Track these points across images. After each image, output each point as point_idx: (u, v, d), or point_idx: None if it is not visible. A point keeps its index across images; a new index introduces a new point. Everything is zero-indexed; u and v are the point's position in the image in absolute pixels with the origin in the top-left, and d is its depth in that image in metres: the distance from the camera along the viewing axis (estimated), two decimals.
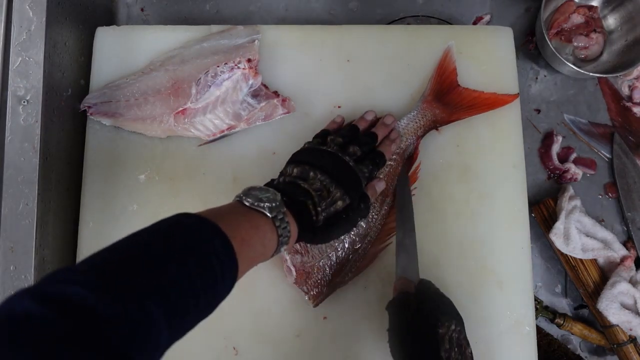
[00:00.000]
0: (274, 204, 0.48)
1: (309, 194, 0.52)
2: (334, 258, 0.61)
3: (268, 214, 0.47)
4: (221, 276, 0.41)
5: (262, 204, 0.47)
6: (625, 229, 0.77)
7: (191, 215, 0.43)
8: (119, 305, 0.32)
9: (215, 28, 0.70)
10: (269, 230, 0.47)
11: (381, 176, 0.62)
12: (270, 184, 0.55)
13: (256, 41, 0.68)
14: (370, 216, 0.62)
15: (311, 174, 0.54)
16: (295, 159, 0.58)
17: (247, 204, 0.47)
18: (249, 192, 0.49)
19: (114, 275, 0.34)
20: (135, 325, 0.33)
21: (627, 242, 0.75)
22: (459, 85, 0.67)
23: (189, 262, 0.38)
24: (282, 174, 0.58)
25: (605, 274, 0.73)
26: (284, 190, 0.52)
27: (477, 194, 0.65)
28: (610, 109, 0.80)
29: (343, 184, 0.54)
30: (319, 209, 0.52)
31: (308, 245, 0.61)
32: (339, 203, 0.53)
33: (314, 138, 0.62)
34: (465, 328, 0.59)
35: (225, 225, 0.43)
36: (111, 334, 0.31)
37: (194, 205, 0.66)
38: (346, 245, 0.61)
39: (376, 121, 0.65)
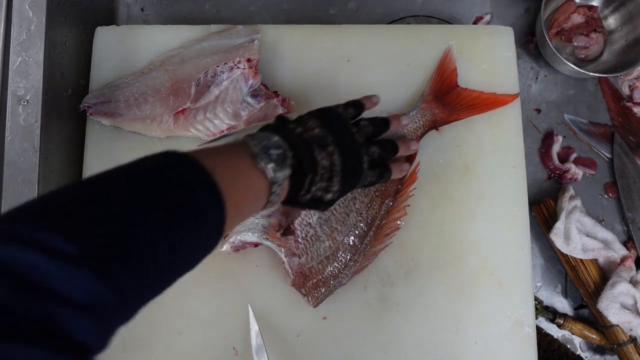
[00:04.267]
0: (279, 170, 0.44)
1: (314, 170, 0.47)
2: (332, 259, 0.61)
3: (269, 178, 0.43)
4: (206, 240, 0.38)
5: (267, 165, 0.43)
6: (626, 229, 0.77)
7: (187, 162, 0.39)
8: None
9: (215, 28, 0.70)
10: (262, 193, 0.44)
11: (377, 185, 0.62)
12: (285, 130, 0.49)
13: (256, 41, 0.68)
14: (370, 217, 0.62)
15: (330, 149, 0.48)
16: (324, 119, 0.51)
17: (252, 155, 0.43)
18: (261, 140, 0.45)
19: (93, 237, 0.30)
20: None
21: (627, 242, 0.75)
22: (458, 85, 0.67)
23: (173, 221, 0.35)
24: (302, 121, 0.51)
25: (606, 274, 0.73)
26: (297, 147, 0.46)
27: (477, 194, 0.65)
28: (610, 108, 0.80)
29: (345, 183, 0.50)
30: (313, 188, 0.48)
31: (306, 246, 0.61)
32: (329, 195, 0.50)
33: (347, 104, 0.56)
34: (465, 328, 0.60)
35: (222, 182, 0.38)
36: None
37: None
38: (345, 247, 0.61)
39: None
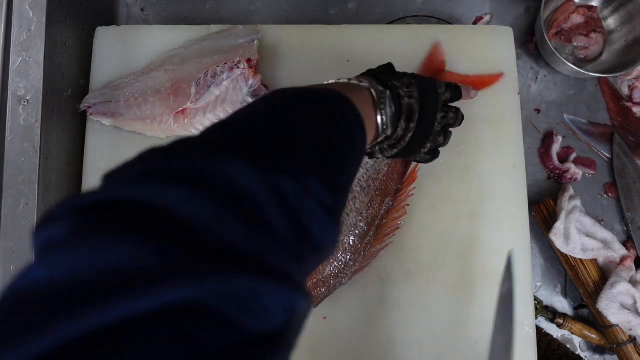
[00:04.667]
0: (386, 126, 0.49)
1: (411, 111, 0.50)
2: (332, 259, 0.61)
3: (380, 123, 0.48)
4: (360, 150, 0.42)
5: (383, 118, 0.48)
6: (625, 229, 0.77)
7: (347, 101, 0.43)
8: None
9: (215, 28, 0.70)
10: (372, 139, 0.48)
11: (380, 175, 0.62)
12: (392, 84, 0.51)
13: (256, 41, 0.68)
14: (370, 217, 0.62)
15: (411, 125, 0.51)
16: (423, 93, 0.52)
17: (376, 106, 0.48)
18: (381, 94, 0.48)
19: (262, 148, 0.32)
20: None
21: (627, 242, 0.75)
22: (445, 70, 0.67)
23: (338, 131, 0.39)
24: (405, 83, 0.52)
25: (605, 274, 0.73)
26: (396, 106, 0.50)
27: (477, 194, 0.65)
28: (610, 109, 0.80)
29: (412, 145, 0.52)
30: (377, 147, 0.52)
31: None
32: (393, 151, 0.52)
33: (447, 89, 0.55)
34: (466, 328, 0.59)
35: (356, 104, 0.43)
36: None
37: None
38: (345, 247, 0.61)
39: None
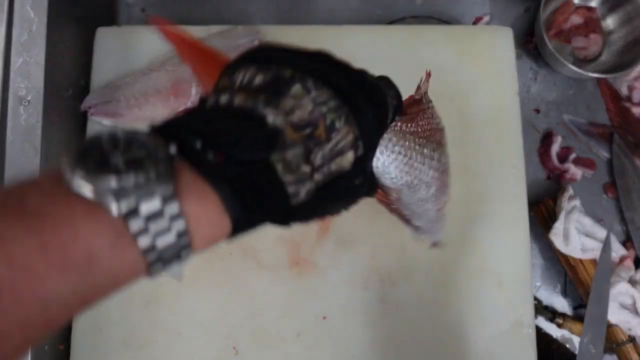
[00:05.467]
0: (139, 177, 0.21)
1: (277, 140, 0.25)
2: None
3: (112, 209, 0.21)
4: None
5: (103, 181, 0.20)
6: (625, 229, 0.77)
7: None
8: None
9: (215, 28, 0.70)
10: (111, 247, 0.21)
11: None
12: (189, 117, 0.26)
13: (256, 41, 0.68)
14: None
15: (295, 87, 0.27)
16: (261, 55, 0.30)
17: (71, 180, 0.21)
18: (92, 148, 0.21)
19: None
20: None
21: (627, 242, 0.75)
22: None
23: None
24: (224, 87, 0.28)
25: None
26: (210, 128, 0.24)
27: (477, 194, 0.66)
28: (609, 109, 0.81)
29: (363, 116, 0.28)
30: (307, 169, 0.26)
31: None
32: (349, 155, 0.28)
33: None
34: (465, 328, 0.60)
35: None
36: None
37: None
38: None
39: None
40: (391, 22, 0.82)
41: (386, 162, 0.37)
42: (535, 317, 0.70)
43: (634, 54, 0.75)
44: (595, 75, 0.75)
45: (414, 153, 0.41)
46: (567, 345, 0.75)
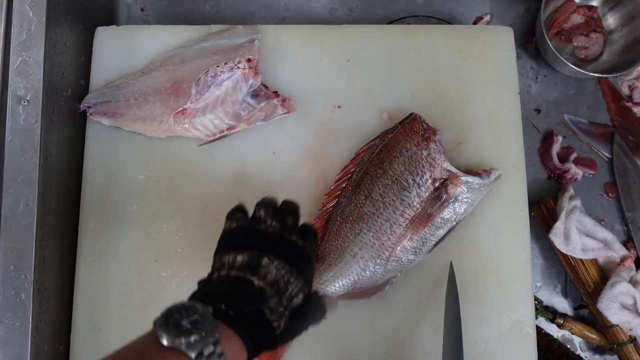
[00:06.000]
0: (200, 335, 0.36)
1: (263, 295, 0.42)
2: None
3: (190, 354, 0.36)
4: None
5: (183, 340, 0.36)
6: (625, 229, 0.77)
7: None
8: None
9: (215, 28, 0.70)
10: None
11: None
12: (205, 287, 0.44)
13: (256, 41, 0.68)
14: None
15: (264, 260, 0.44)
16: (235, 243, 0.47)
17: (164, 342, 0.36)
18: (169, 317, 0.37)
19: None
20: None
21: (627, 242, 0.75)
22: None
23: None
24: (220, 265, 0.46)
25: (605, 274, 0.73)
26: (226, 295, 0.41)
27: None
28: (610, 109, 0.80)
29: (303, 271, 0.46)
30: (281, 309, 0.43)
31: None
32: (300, 296, 0.45)
33: (231, 213, 0.50)
34: (466, 328, 0.59)
35: None
36: None
37: (194, 205, 0.66)
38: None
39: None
40: (391, 22, 0.82)
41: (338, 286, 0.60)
42: (536, 318, 0.69)
43: (635, 54, 0.75)
44: (596, 74, 0.75)
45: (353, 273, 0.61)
46: (568, 346, 0.75)
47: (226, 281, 0.44)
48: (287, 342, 0.46)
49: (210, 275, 0.46)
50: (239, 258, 0.45)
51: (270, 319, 0.42)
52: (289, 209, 0.50)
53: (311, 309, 0.47)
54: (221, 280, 0.44)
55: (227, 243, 0.47)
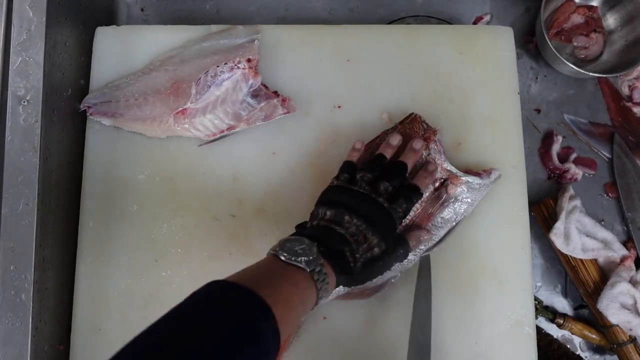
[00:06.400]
0: (310, 257, 0.47)
1: (346, 241, 0.52)
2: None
3: (306, 269, 0.46)
4: (266, 354, 0.40)
5: (298, 259, 0.47)
6: (626, 229, 0.77)
7: (229, 286, 0.42)
8: None
9: (215, 28, 0.70)
10: (308, 285, 0.47)
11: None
12: (304, 230, 0.55)
13: (256, 41, 0.68)
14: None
15: (346, 217, 0.53)
16: (327, 199, 0.56)
17: (283, 258, 0.47)
18: (283, 245, 0.48)
19: None
20: None
21: (627, 242, 0.75)
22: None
23: (229, 345, 0.37)
24: (314, 216, 0.56)
25: (605, 274, 0.73)
26: (320, 237, 0.51)
27: None
28: (610, 109, 0.80)
29: (379, 230, 0.53)
30: (357, 255, 0.51)
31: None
32: (376, 250, 0.53)
33: (339, 173, 0.59)
34: (466, 328, 0.59)
35: (266, 290, 0.42)
36: None
37: (194, 205, 0.66)
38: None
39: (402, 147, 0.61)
40: (391, 22, 0.82)
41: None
42: (536, 318, 0.69)
43: (635, 54, 0.75)
44: (596, 74, 0.75)
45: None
46: (568, 346, 0.75)
47: (317, 228, 0.54)
48: (363, 283, 0.55)
49: (309, 221, 0.57)
50: (329, 213, 0.54)
51: (350, 259, 0.51)
52: (395, 171, 0.57)
53: (385, 261, 0.54)
54: (313, 228, 0.55)
55: (323, 197, 0.57)
